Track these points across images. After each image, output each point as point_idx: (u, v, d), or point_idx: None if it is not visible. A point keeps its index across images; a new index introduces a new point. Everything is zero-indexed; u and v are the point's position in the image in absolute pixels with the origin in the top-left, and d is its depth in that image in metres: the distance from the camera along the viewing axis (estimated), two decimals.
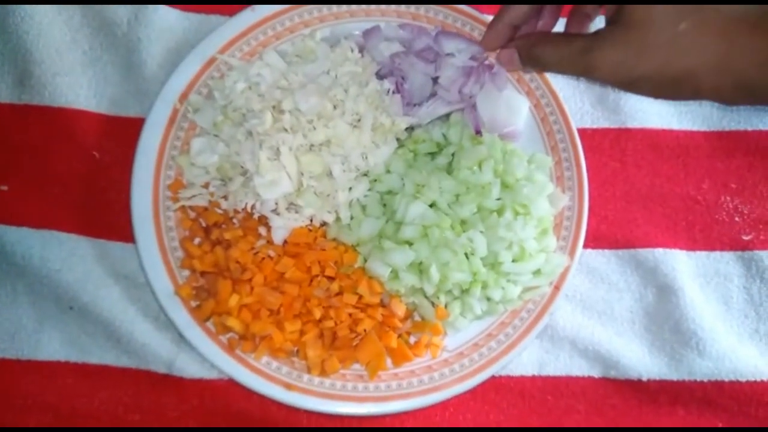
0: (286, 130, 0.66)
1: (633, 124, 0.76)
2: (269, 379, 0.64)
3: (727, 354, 0.69)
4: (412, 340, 0.68)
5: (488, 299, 0.66)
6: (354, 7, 0.74)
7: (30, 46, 0.73)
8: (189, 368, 0.67)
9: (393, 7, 0.74)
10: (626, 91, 0.68)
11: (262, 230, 0.67)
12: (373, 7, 0.74)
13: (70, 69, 0.74)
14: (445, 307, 0.66)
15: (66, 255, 0.69)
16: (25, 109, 0.73)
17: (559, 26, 0.69)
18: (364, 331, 0.65)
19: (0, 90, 0.73)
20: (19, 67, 0.74)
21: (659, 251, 0.72)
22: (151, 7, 0.75)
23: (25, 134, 0.72)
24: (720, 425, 0.69)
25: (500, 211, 0.66)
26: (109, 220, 0.70)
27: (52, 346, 0.68)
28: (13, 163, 0.72)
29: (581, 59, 0.59)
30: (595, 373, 0.70)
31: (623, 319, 0.72)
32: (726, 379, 0.69)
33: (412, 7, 0.74)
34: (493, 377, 0.68)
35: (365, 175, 0.69)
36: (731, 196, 0.76)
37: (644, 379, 0.69)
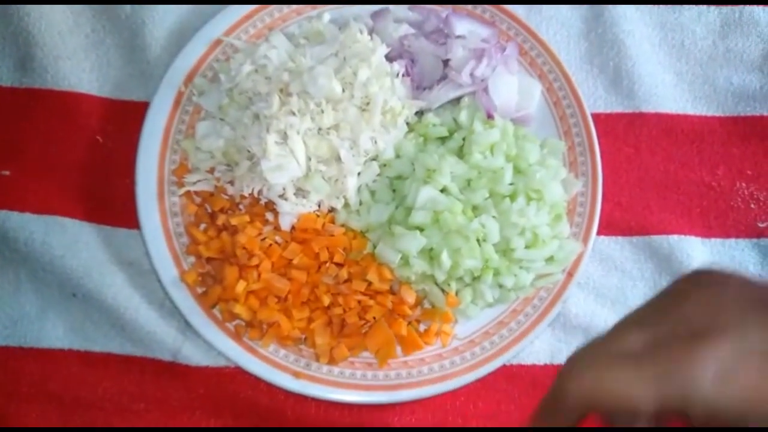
0: (293, 113, 0.64)
1: (647, 108, 0.75)
2: (277, 367, 0.63)
3: None
4: (422, 327, 0.66)
5: (500, 286, 0.65)
6: None
7: (31, 28, 0.72)
8: (195, 356, 0.66)
9: None
10: None
11: (269, 216, 0.65)
12: None
13: (72, 52, 0.72)
14: (456, 294, 0.65)
15: (69, 241, 0.68)
16: (26, 92, 0.71)
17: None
18: (374, 318, 0.64)
19: (1, 73, 0.72)
20: (20, 50, 0.72)
21: (674, 238, 0.71)
22: None
23: (27, 118, 0.71)
24: None
25: (513, 197, 0.65)
26: (113, 205, 0.69)
27: (56, 333, 0.66)
28: (15, 148, 0.70)
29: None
30: None
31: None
32: None
33: None
34: (504, 366, 0.66)
35: (374, 159, 0.67)
36: (747, 183, 0.74)
37: None
